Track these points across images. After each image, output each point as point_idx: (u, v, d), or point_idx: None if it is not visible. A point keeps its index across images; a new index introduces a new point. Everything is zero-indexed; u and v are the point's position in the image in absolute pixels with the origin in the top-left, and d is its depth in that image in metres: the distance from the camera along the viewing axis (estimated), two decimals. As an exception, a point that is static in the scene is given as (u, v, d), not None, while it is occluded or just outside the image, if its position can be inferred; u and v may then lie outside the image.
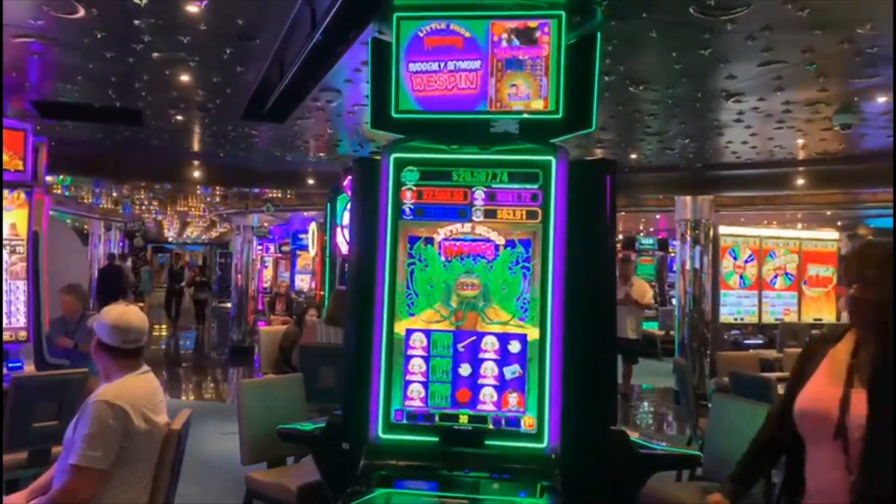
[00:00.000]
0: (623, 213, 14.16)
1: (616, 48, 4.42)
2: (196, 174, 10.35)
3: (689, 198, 10.22)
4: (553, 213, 2.99)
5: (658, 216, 14.25)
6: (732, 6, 3.79)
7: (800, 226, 13.77)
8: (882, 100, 5.82)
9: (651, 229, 17.60)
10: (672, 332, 11.15)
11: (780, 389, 4.76)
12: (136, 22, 4.30)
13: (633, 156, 8.82)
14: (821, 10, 3.84)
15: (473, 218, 3.03)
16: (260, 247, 18.78)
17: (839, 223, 14.09)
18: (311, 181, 10.41)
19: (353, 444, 3.07)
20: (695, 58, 4.62)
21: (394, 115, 3.10)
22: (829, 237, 12.32)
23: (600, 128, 7.09)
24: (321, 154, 8.79)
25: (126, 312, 2.83)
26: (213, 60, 5.06)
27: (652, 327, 15.40)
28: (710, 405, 4.46)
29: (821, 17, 3.97)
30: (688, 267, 10.37)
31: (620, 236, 18.27)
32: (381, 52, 3.16)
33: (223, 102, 6.25)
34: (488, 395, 2.96)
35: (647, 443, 3.32)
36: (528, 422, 2.93)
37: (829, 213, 12.75)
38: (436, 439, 2.93)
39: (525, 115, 3.09)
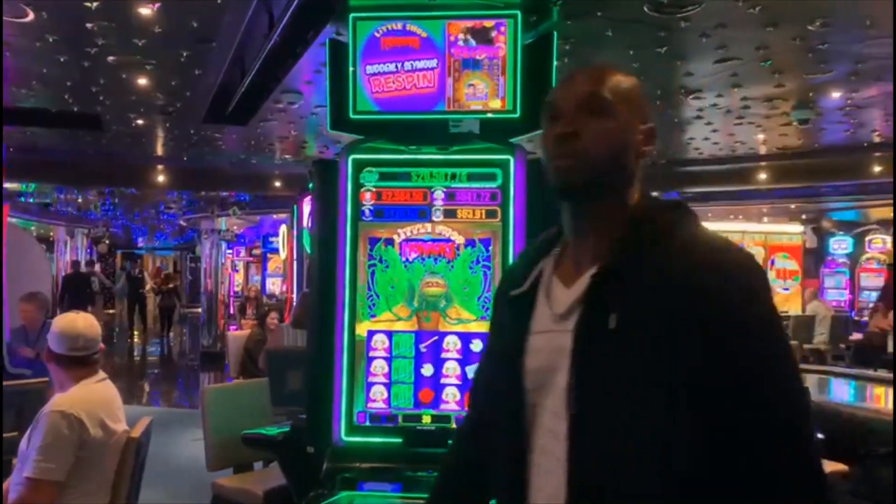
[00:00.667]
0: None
1: (574, 47, 4.46)
2: (160, 178, 10.23)
3: (654, 194, 10.33)
4: (512, 211, 3.00)
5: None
6: (684, 4, 3.84)
7: (765, 220, 13.99)
8: (836, 95, 5.94)
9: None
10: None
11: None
12: (89, 25, 4.24)
13: (598, 153, 8.89)
14: (772, 7, 3.91)
15: (433, 218, 3.03)
16: (230, 251, 18.62)
17: (803, 216, 14.34)
18: (278, 183, 10.35)
19: (317, 448, 3.05)
20: (652, 56, 4.68)
21: (352, 116, 3.09)
22: (793, 230, 12.57)
23: (563, 126, 7.14)
24: (287, 156, 8.74)
25: (74, 320, 2.79)
26: (170, 63, 5.01)
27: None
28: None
29: (772, 15, 4.04)
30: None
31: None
32: (338, 53, 3.15)
33: (184, 105, 6.19)
34: (451, 394, 2.96)
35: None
36: (490, 420, 2.94)
37: (793, 206, 12.97)
38: (399, 440, 2.93)
39: (482, 115, 3.10)
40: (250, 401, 4.43)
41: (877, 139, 8.01)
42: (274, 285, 17.84)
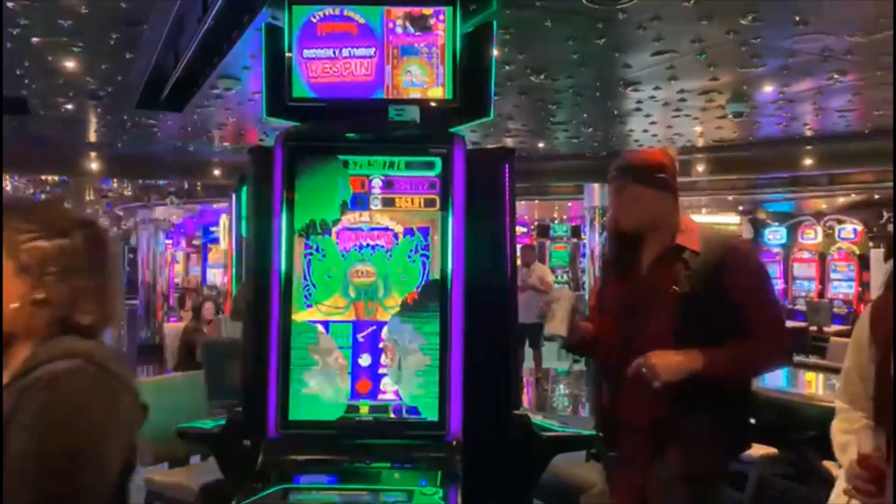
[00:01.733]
0: (536, 202, 14.39)
1: (514, 37, 4.47)
2: (94, 165, 9.88)
3: (597, 185, 10.48)
4: (451, 200, 2.99)
5: (570, 204, 14.55)
6: (620, -4, 3.89)
7: (704, 211, 14.32)
8: (769, 89, 6.09)
9: (565, 217, 17.96)
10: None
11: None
12: (10, 4, 4.05)
13: (541, 144, 8.95)
14: (706, 1, 3.98)
15: (371, 206, 2.99)
16: (169, 241, 18.17)
17: (740, 208, 14.73)
18: (217, 172, 10.12)
19: (254, 441, 3.00)
20: (591, 47, 4.72)
21: (288, 102, 3.04)
22: (730, 221, 12.94)
23: (507, 117, 7.16)
24: (226, 144, 8.56)
25: None
26: (99, 46, 4.83)
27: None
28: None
29: (706, 8, 4.11)
30: (597, 253, 10.65)
31: (535, 224, 18.60)
32: (274, 39, 3.10)
33: (116, 90, 5.99)
34: (389, 384, 2.94)
35: (549, 425, 3.38)
36: (429, 410, 2.92)
37: (730, 198, 13.31)
38: (335, 432, 2.90)
39: (421, 103, 3.08)
40: (186, 394, 4.33)
41: (808, 133, 8.27)
42: (215, 276, 17.50)
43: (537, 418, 3.36)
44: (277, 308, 2.94)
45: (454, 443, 2.91)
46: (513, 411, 3.21)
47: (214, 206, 14.92)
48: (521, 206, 16.26)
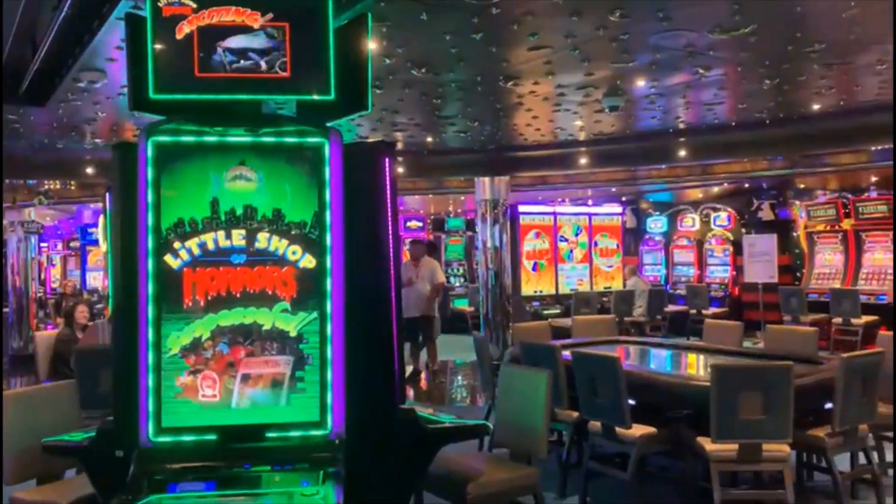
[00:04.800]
0: (430, 196, 14.46)
1: (391, 31, 4.45)
2: (-48, 165, 9.14)
3: (487, 179, 10.61)
4: (328, 194, 2.95)
5: (463, 198, 14.70)
6: (492, -10, 3.94)
7: (590, 202, 14.81)
8: (641, 83, 6.34)
9: (460, 210, 18.13)
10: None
11: (566, 354, 5.12)
12: None
13: (430, 139, 8.98)
14: (574, -3, 4.09)
15: (244, 202, 2.90)
16: (45, 244, 17.09)
17: (623, 199, 15.32)
18: (90, 170, 9.58)
19: (126, 451, 2.87)
20: (468, 42, 4.76)
21: (152, 95, 2.90)
22: (614, 211, 13.44)
23: (393, 111, 7.13)
24: (98, 140, 8.11)
25: None
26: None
27: (463, 304, 16.01)
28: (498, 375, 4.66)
29: (575, 4, 4.23)
30: (489, 245, 10.79)
31: (431, 218, 18.69)
32: (136, 28, 2.95)
33: (-35, 83, 5.55)
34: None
35: (435, 417, 3.41)
36: (310, 409, 2.88)
37: (614, 189, 13.81)
38: (213, 437, 2.81)
39: (294, 97, 3.03)
40: (58, 406, 4.08)
41: (681, 125, 8.69)
42: (96, 280, 16.64)
43: (425, 411, 3.39)
44: (146, 311, 2.81)
45: (336, 441, 2.88)
46: (398, 406, 3.23)
47: (92, 206, 14.14)
48: (417, 200, 16.29)
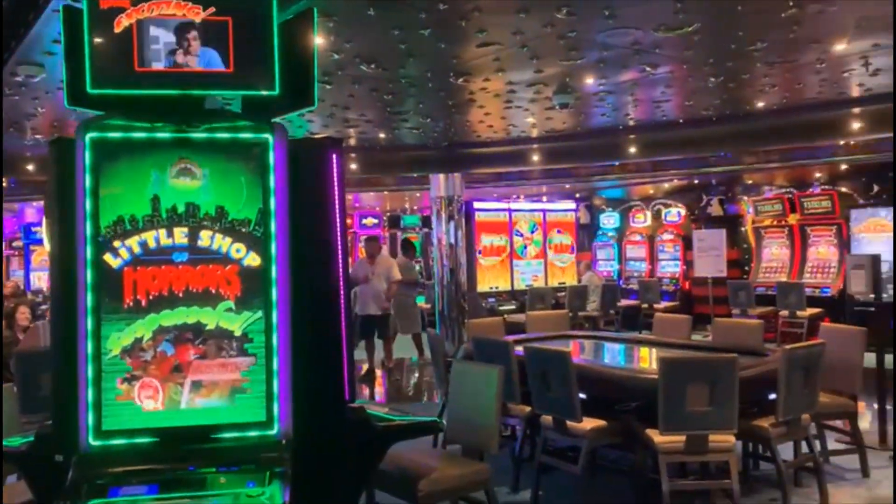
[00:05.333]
0: (386, 193, 14.40)
1: (338, 25, 4.40)
2: None
3: (441, 175, 10.61)
4: (273, 190, 2.91)
5: (419, 194, 14.69)
6: (437, -15, 3.92)
7: (544, 199, 14.93)
8: (590, 81, 6.39)
9: (416, 207, 18.11)
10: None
11: (519, 349, 5.15)
12: None
13: (383, 135, 8.94)
14: (520, -7, 4.09)
15: (187, 200, 2.85)
16: (-16, 243, 16.52)
17: (577, 195, 15.48)
18: (31, 167, 9.30)
19: (67, 456, 2.79)
20: (417, 37, 4.74)
21: (90, 90, 2.83)
22: (567, 208, 13.56)
23: (343, 106, 7.07)
24: (39, 136, 7.87)
25: None
26: None
27: (420, 301, 15.98)
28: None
29: (522, 1, 4.24)
30: (445, 242, 10.80)
31: (387, 214, 18.62)
32: (72, 21, 2.87)
33: None
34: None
35: (385, 415, 3.40)
36: (256, 409, 2.84)
37: (567, 185, 13.93)
38: (155, 440, 2.75)
39: (236, 92, 2.98)
40: (-4, 410, 3.95)
41: (631, 122, 8.81)
42: (40, 280, 16.17)
43: (376, 409, 3.37)
44: (84, 312, 2.74)
45: (283, 441, 2.84)
46: (348, 404, 3.20)
47: (35, 204, 13.73)
48: (372, 197, 16.21)
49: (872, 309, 6.07)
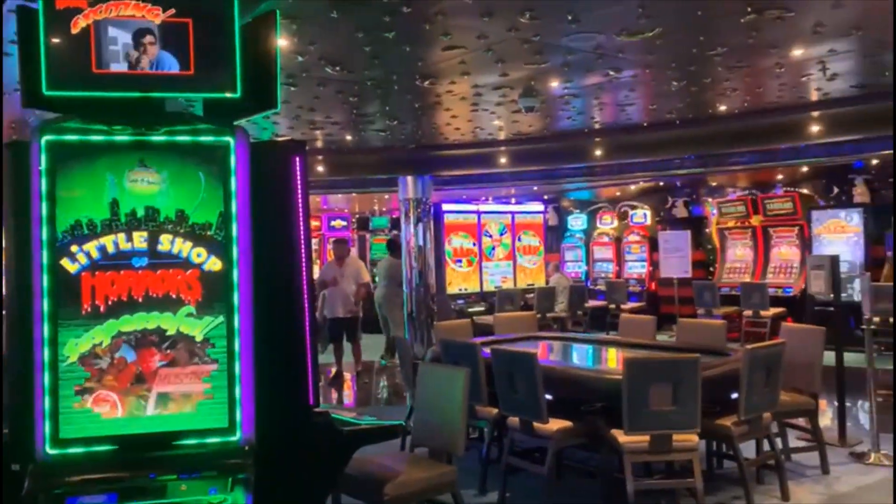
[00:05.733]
0: (354, 194, 14.33)
1: (301, 28, 4.38)
2: None
3: (410, 177, 10.59)
4: (234, 193, 2.89)
5: (388, 196, 14.64)
6: (400, -11, 3.92)
7: (513, 200, 14.98)
8: (555, 84, 6.44)
9: (385, 209, 18.06)
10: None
11: (487, 351, 5.15)
12: None
13: (349, 137, 8.90)
14: (484, -2, 4.12)
15: (146, 203, 2.81)
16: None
17: (545, 197, 15.56)
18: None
19: (23, 465, 2.74)
20: (381, 40, 4.73)
21: (46, 92, 2.78)
22: (536, 209, 13.63)
23: (308, 109, 7.03)
24: (-4, 139, 7.68)
25: None
26: None
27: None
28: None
29: (486, 5, 4.26)
30: (413, 244, 10.78)
31: (356, 217, 18.55)
32: (28, 22, 2.82)
33: None
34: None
35: (350, 419, 3.39)
36: (218, 415, 2.81)
37: (535, 188, 14.00)
38: (114, 447, 2.71)
39: (196, 95, 2.95)
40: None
41: (596, 125, 8.89)
42: None
43: (341, 413, 3.36)
44: (41, 318, 2.69)
45: (246, 447, 2.82)
46: (312, 409, 3.18)
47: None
48: (340, 199, 16.11)
49: (832, 309, 6.18)
